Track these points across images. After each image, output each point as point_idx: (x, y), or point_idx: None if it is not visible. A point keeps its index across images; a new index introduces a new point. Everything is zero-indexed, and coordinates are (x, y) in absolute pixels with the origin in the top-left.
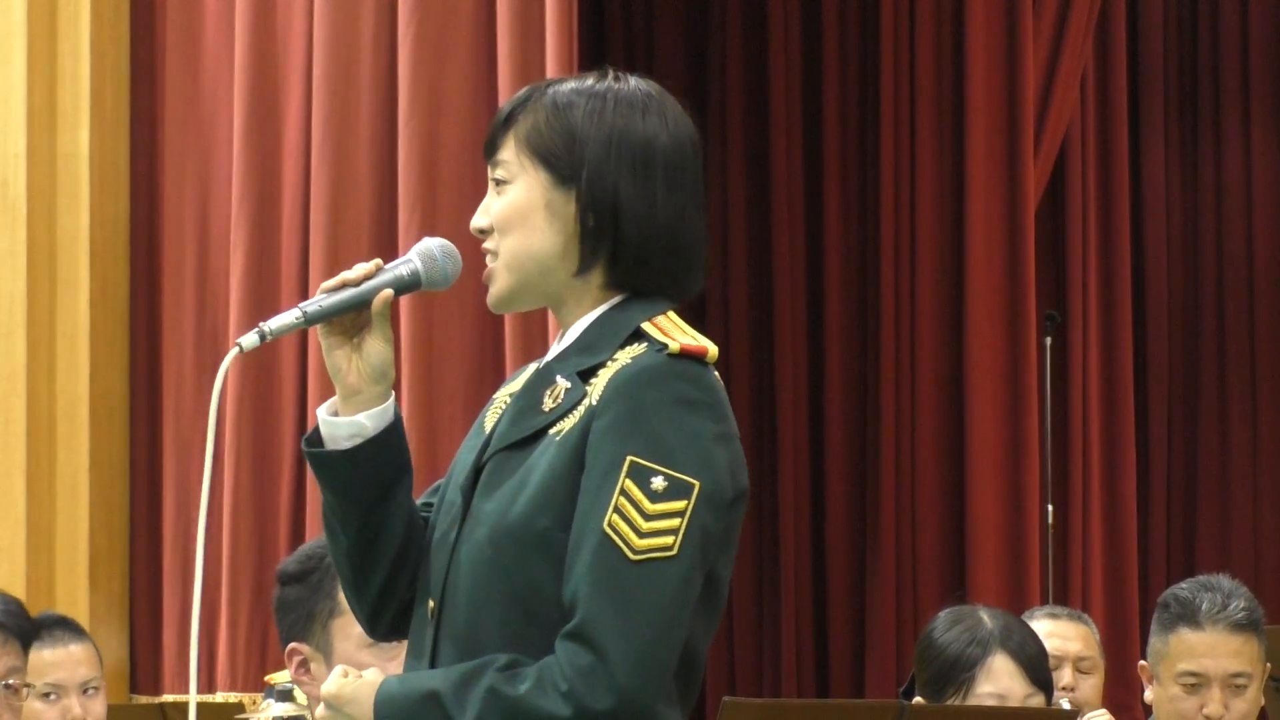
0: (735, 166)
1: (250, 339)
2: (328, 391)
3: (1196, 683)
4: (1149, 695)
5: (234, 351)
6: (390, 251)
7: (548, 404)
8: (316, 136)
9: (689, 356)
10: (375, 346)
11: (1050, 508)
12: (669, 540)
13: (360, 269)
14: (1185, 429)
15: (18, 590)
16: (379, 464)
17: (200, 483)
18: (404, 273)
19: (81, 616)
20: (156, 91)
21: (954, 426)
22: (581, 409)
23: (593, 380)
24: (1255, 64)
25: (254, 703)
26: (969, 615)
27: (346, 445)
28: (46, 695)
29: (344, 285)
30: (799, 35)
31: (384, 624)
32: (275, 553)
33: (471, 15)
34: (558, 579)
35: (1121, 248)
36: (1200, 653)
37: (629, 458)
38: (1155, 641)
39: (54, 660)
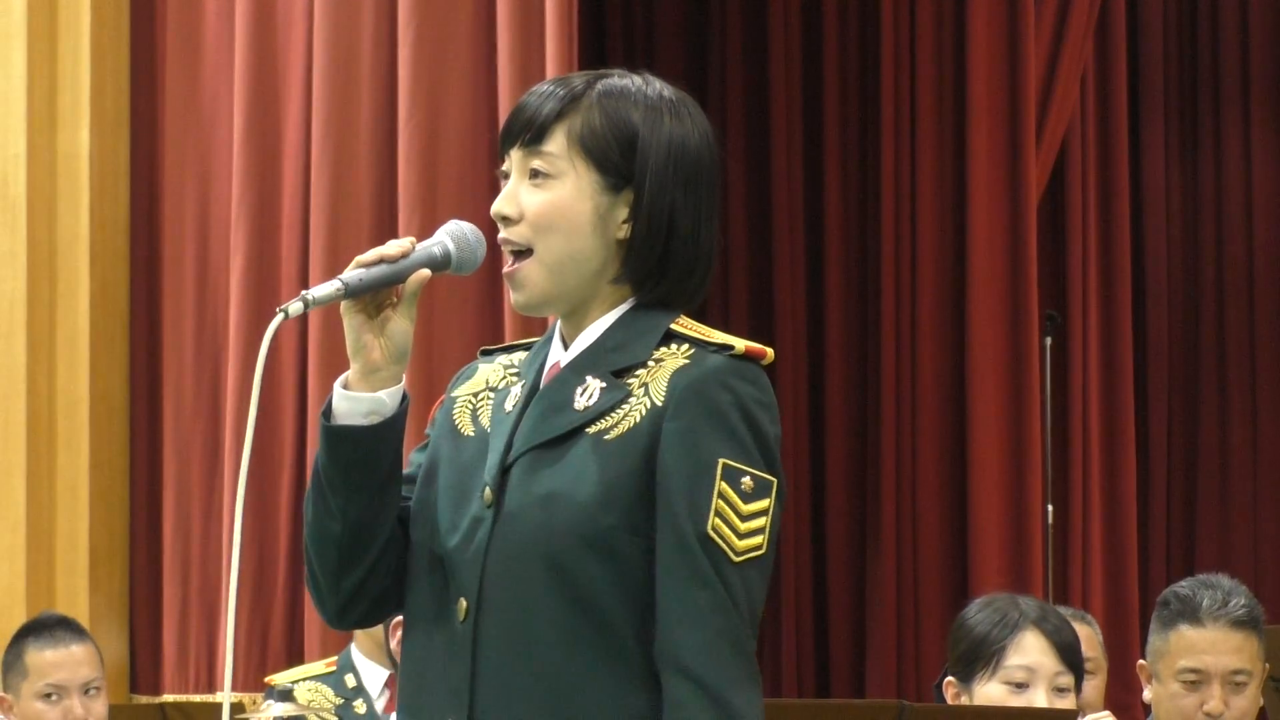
0: (735, 166)
1: (295, 306)
2: (328, 391)
3: (1197, 680)
4: (1148, 695)
5: (279, 318)
6: None
7: (581, 403)
8: (316, 136)
9: (751, 358)
10: (401, 325)
11: (1050, 508)
12: (760, 540)
13: (396, 245)
14: (1185, 429)
15: (18, 590)
16: (394, 443)
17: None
18: (437, 252)
19: (81, 616)
20: (156, 91)
21: (954, 426)
22: (635, 408)
23: (630, 379)
24: (1255, 64)
25: (254, 703)
26: (1004, 599)
27: (365, 422)
28: (48, 695)
29: (381, 260)
30: (799, 35)
31: (353, 617)
32: (275, 553)
33: (471, 15)
34: (618, 576)
35: (1121, 248)
36: (1201, 649)
37: (721, 460)
38: (1155, 639)
39: (55, 660)
